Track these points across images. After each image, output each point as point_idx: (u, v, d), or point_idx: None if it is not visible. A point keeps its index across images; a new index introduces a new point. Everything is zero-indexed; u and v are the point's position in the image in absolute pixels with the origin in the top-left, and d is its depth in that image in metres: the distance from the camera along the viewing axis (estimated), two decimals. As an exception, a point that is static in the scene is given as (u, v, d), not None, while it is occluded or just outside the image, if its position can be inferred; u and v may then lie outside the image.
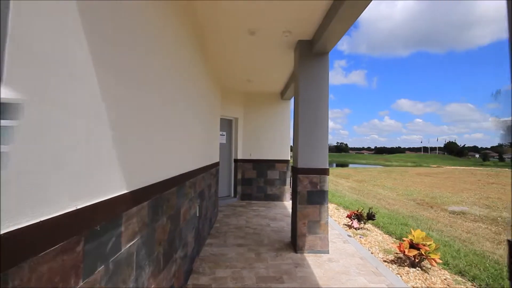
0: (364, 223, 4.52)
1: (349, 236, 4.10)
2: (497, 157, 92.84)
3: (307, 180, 3.38)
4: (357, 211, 4.55)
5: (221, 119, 6.02)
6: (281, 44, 3.66)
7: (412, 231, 3.23)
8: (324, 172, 3.41)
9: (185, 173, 2.46)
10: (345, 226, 4.65)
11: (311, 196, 3.38)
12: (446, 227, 5.16)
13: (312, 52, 3.45)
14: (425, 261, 3.09)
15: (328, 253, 3.34)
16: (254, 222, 4.71)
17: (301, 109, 3.42)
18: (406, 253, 3.01)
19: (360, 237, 4.11)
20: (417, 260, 3.04)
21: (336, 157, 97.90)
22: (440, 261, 3.06)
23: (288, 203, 6.38)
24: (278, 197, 6.61)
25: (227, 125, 6.51)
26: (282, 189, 6.64)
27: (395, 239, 4.14)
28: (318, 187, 3.40)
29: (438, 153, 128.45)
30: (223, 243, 3.62)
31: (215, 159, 4.70)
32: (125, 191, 1.28)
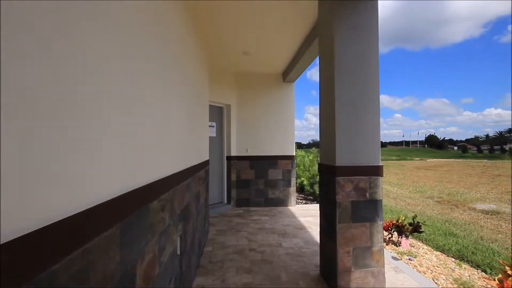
0: (407, 237, 3.40)
1: (395, 258, 2.96)
2: (475, 149, 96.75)
3: (351, 184, 2.18)
4: (397, 221, 3.42)
5: (209, 106, 4.71)
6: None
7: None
8: (377, 171, 2.22)
9: (150, 184, 1.19)
10: (379, 240, 3.52)
11: (358, 209, 2.19)
12: (495, 234, 4.17)
13: (352, -12, 2.23)
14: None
15: (386, 296, 2.18)
16: (259, 240, 3.47)
17: (338, 75, 2.21)
18: (519, 298, 1.88)
19: (409, 259, 2.99)
20: (534, 308, 1.93)
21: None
22: None
23: (295, 209, 5.19)
24: (282, 202, 5.40)
25: (217, 113, 5.20)
26: (287, 192, 5.43)
27: (453, 259, 3.06)
28: (368, 195, 2.21)
29: (419, 146, 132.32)
30: (221, 284, 2.37)
31: (204, 156, 3.42)
32: None
